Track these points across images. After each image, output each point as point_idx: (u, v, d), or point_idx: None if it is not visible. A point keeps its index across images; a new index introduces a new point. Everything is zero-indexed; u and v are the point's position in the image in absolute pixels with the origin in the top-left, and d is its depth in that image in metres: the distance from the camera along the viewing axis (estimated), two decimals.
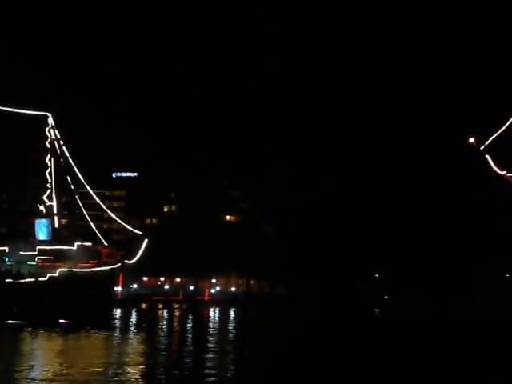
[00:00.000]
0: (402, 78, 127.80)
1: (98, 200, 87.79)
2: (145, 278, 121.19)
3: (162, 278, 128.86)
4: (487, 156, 63.60)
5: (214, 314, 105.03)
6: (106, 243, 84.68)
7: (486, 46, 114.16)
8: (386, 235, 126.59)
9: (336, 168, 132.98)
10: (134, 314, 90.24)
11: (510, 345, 59.88)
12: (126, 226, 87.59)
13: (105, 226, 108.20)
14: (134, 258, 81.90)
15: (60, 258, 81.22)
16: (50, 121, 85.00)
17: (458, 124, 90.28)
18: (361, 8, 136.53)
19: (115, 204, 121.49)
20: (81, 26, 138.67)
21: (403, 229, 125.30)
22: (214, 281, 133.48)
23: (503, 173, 63.54)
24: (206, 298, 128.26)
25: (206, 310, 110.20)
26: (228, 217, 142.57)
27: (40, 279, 77.69)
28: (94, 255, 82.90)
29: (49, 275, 78.32)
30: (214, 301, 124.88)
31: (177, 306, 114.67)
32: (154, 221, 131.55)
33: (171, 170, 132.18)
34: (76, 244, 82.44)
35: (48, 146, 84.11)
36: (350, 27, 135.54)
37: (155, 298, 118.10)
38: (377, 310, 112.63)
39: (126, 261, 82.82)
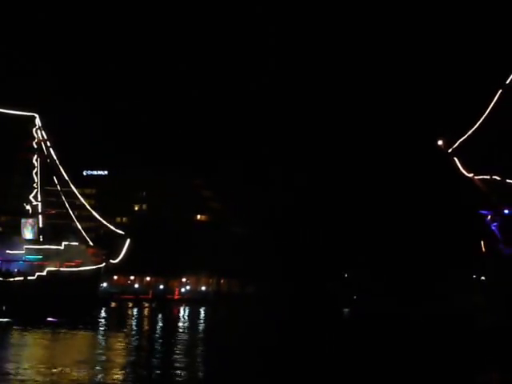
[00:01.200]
0: (382, 80, 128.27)
1: (82, 200, 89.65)
2: (115, 277, 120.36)
3: (132, 277, 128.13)
4: (455, 158, 64.20)
5: (183, 313, 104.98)
6: (91, 243, 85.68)
7: (455, 50, 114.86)
8: (357, 235, 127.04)
9: (308, 169, 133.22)
10: (104, 313, 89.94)
11: (469, 345, 60.46)
12: (110, 226, 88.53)
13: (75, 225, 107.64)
14: (117, 257, 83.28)
15: (48, 257, 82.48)
16: (38, 121, 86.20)
17: (428, 126, 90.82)
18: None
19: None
20: (78, 26, 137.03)
21: (373, 228, 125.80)
22: (184, 280, 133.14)
23: (470, 175, 64.16)
24: (176, 297, 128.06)
25: (176, 309, 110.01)
26: (199, 216, 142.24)
27: (29, 278, 78.33)
28: (79, 254, 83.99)
29: (37, 274, 78.99)
30: (184, 300, 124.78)
31: (147, 304, 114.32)
32: (124, 219, 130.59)
33: (143, 169, 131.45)
34: (63, 243, 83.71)
35: (35, 146, 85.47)
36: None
37: (125, 296, 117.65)
38: (346, 310, 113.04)
39: (111, 260, 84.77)
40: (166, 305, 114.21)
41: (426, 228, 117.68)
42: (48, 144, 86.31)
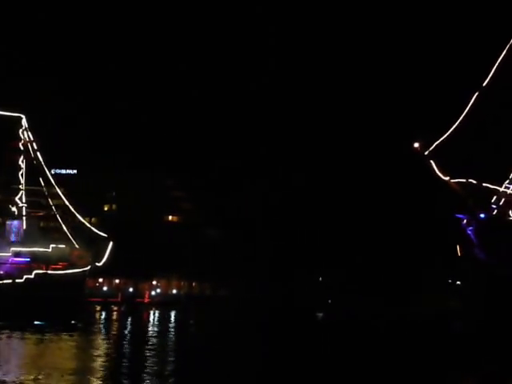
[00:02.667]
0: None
1: (66, 202, 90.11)
2: None
3: (101, 279, 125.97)
4: (431, 161, 63.44)
5: (153, 316, 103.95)
6: (77, 245, 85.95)
7: (431, 52, 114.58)
8: (332, 238, 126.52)
9: (282, 168, 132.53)
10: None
11: (442, 350, 60.37)
12: (93, 228, 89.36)
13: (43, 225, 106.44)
14: (100, 260, 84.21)
15: (36, 259, 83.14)
16: (24, 122, 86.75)
17: (405, 128, 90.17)
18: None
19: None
20: (73, 28, 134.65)
21: (348, 232, 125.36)
22: (154, 283, 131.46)
23: (447, 178, 63.49)
24: (146, 301, 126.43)
25: (146, 312, 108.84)
26: (170, 217, 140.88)
27: (17, 281, 79.06)
28: (66, 257, 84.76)
29: (25, 277, 79.82)
30: (154, 303, 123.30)
31: (115, 308, 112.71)
32: (93, 220, 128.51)
33: (113, 168, 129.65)
34: (51, 246, 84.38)
35: (21, 147, 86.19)
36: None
37: (93, 299, 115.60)
38: (320, 314, 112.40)
39: (96, 263, 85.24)
40: (135, 308, 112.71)
41: (402, 232, 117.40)
42: (34, 145, 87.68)
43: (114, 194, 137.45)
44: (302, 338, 70.14)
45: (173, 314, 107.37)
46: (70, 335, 64.23)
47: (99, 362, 46.56)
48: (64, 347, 56.22)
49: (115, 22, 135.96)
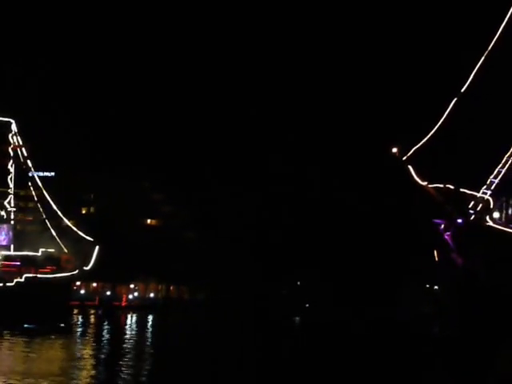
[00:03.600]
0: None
1: (54, 206, 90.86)
2: None
3: (78, 282, 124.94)
4: (409, 166, 63.61)
5: (130, 320, 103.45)
6: (65, 250, 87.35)
7: (409, 58, 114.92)
8: (309, 243, 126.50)
9: (261, 170, 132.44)
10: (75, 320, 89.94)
11: (419, 355, 60.60)
12: (80, 233, 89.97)
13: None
14: (87, 264, 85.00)
15: (26, 263, 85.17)
16: (14, 127, 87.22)
17: (382, 133, 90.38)
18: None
19: (31, 204, 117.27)
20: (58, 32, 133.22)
21: (326, 237, 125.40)
22: (132, 286, 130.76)
23: (424, 183, 63.67)
24: (124, 304, 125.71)
25: (123, 316, 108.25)
26: (149, 220, 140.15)
27: (8, 284, 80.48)
28: (53, 261, 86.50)
29: (16, 280, 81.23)
30: (132, 307, 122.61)
31: (92, 311, 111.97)
32: (71, 222, 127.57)
33: (91, 170, 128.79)
34: (40, 250, 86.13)
35: (11, 152, 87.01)
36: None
37: (70, 302, 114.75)
38: (297, 319, 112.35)
39: (84, 267, 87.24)
40: (112, 312, 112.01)
41: (380, 237, 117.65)
42: (24, 150, 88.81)
43: (92, 196, 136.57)
44: (279, 342, 70.01)
45: (150, 317, 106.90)
46: (56, 338, 64.45)
47: (69, 368, 46.05)
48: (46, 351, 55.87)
49: (98, 26, 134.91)
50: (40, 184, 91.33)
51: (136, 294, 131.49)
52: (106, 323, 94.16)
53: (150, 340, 72.97)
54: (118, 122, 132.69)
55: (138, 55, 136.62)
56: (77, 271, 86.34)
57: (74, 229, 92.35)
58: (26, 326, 70.84)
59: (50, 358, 51.77)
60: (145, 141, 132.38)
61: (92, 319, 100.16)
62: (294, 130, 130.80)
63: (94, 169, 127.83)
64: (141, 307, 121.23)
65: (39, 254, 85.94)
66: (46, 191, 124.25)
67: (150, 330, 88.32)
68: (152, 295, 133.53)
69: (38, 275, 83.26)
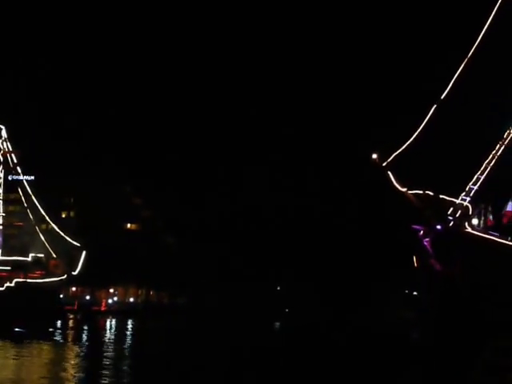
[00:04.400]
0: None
1: (43, 212, 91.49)
2: None
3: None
4: (389, 172, 63.75)
5: (110, 325, 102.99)
6: (54, 255, 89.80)
7: (390, 64, 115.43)
8: (289, 248, 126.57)
9: (239, 175, 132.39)
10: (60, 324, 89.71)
11: (397, 361, 60.79)
12: (67, 238, 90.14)
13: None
14: (75, 269, 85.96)
15: (16, 268, 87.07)
16: (3, 133, 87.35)
17: (363, 139, 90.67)
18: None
19: (10, 208, 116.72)
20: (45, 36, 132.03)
21: (306, 242, 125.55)
22: (111, 291, 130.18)
23: (404, 190, 63.83)
24: (103, 309, 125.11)
25: (102, 320, 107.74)
26: (129, 225, 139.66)
27: None
28: (42, 266, 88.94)
29: (6, 285, 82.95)
30: (111, 312, 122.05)
31: (71, 316, 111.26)
32: (50, 226, 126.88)
33: (71, 174, 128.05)
34: (30, 255, 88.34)
35: (1, 158, 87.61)
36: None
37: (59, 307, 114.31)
38: (277, 324, 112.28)
39: (72, 272, 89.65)
40: (91, 316, 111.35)
41: (359, 242, 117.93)
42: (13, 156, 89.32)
43: (72, 200, 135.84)
44: (259, 347, 69.98)
45: (130, 322, 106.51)
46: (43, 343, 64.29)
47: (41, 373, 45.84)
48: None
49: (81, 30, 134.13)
50: (29, 190, 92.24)
51: (115, 298, 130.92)
52: (85, 328, 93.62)
53: (129, 346, 72.57)
54: (98, 126, 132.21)
55: (126, 55, 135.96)
56: (65, 276, 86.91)
57: (62, 234, 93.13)
58: (16, 330, 70.62)
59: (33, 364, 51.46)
60: (125, 145, 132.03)
61: (71, 324, 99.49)
62: (272, 139, 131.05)
63: (74, 173, 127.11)
64: (120, 312, 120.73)
65: (29, 259, 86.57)
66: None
67: (130, 334, 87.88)
68: (131, 300, 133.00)
69: (28, 280, 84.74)
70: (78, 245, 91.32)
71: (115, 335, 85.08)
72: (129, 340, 78.95)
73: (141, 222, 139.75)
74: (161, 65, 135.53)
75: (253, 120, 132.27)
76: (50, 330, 75.18)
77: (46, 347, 62.02)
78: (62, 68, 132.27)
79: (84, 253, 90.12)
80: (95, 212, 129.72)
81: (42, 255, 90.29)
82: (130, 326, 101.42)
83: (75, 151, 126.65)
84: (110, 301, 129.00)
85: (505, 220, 62.74)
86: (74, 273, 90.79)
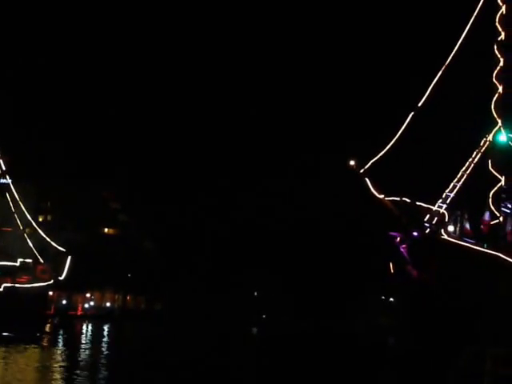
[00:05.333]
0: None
1: (29, 217, 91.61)
2: None
3: None
4: (366, 179, 64.00)
5: (86, 329, 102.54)
6: (41, 260, 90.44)
7: (366, 70, 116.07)
8: (267, 254, 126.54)
9: (217, 179, 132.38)
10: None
11: (374, 367, 61.02)
12: (52, 243, 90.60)
13: None
14: (61, 274, 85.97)
15: (5, 273, 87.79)
16: None
17: (340, 145, 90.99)
18: None
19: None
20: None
21: (283, 248, 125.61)
22: (88, 295, 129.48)
23: (381, 196, 64.08)
24: (79, 313, 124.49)
25: (79, 325, 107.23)
26: (107, 229, 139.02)
27: None
28: (28, 271, 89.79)
29: None
30: (88, 316, 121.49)
31: (48, 320, 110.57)
32: (27, 230, 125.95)
33: (48, 178, 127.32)
34: (19, 260, 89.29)
35: None
36: None
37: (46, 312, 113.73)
38: (254, 330, 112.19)
39: (59, 277, 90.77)
40: (68, 321, 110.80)
41: (336, 248, 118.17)
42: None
43: (48, 204, 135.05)
44: (236, 353, 69.91)
45: (106, 327, 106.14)
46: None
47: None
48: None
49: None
50: (17, 196, 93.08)
51: (92, 303, 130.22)
52: (61, 332, 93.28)
53: (105, 350, 72.24)
54: (76, 130, 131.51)
55: (116, 56, 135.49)
56: (52, 281, 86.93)
57: (47, 239, 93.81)
58: (4, 334, 71.39)
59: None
60: (103, 149, 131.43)
61: (47, 329, 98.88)
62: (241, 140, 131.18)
63: (51, 176, 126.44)
64: (97, 316, 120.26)
65: (17, 264, 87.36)
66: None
67: (106, 339, 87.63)
68: (108, 305, 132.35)
69: (16, 285, 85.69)
70: (63, 250, 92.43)
71: (91, 339, 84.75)
72: (105, 344, 78.68)
73: (118, 227, 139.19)
74: (142, 69, 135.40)
75: (226, 128, 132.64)
76: (38, 334, 75.44)
77: (28, 351, 61.62)
78: (41, 69, 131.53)
79: (69, 258, 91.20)
80: (72, 216, 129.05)
81: (29, 260, 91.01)
82: (106, 331, 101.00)
83: (51, 154, 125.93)
84: (86, 305, 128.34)
85: (484, 229, 63.15)
86: (60, 278, 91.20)
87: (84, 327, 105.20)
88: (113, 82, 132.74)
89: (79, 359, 56.67)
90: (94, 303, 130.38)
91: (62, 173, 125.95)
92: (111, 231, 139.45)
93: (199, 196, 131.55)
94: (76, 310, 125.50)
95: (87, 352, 65.71)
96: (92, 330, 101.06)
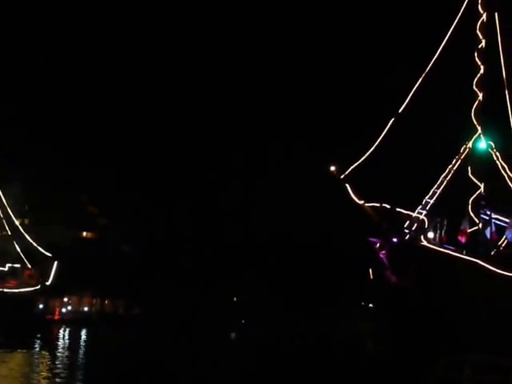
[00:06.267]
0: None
1: (16, 222, 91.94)
2: None
3: None
4: (347, 185, 63.96)
5: (63, 334, 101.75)
6: (29, 265, 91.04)
7: (347, 76, 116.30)
8: (246, 259, 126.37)
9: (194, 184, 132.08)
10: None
11: (351, 373, 61.01)
12: (39, 248, 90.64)
13: None
14: (47, 279, 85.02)
15: None
16: None
17: (320, 151, 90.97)
18: None
19: None
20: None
21: (263, 253, 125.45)
22: (65, 299, 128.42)
23: (361, 202, 64.06)
24: (56, 318, 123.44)
25: (56, 329, 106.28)
26: (85, 233, 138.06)
27: None
28: (16, 276, 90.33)
29: None
30: (65, 321, 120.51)
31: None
32: (4, 233, 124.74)
33: (25, 181, 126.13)
34: (7, 265, 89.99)
35: None
36: None
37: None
38: (233, 335, 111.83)
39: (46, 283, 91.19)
40: (45, 325, 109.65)
41: (316, 253, 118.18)
42: None
43: (26, 207, 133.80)
44: (214, 358, 69.54)
45: (83, 331, 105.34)
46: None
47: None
48: None
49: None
50: (5, 202, 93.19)
51: (69, 307, 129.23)
52: (38, 336, 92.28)
53: (82, 354, 71.64)
54: (52, 133, 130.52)
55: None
56: (39, 286, 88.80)
57: (34, 244, 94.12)
58: None
59: None
60: (80, 153, 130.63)
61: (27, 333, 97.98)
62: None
63: (29, 180, 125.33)
64: (74, 321, 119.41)
65: (6, 269, 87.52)
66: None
67: (83, 344, 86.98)
68: (86, 309, 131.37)
69: (5, 290, 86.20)
70: (50, 255, 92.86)
71: (68, 344, 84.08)
72: (82, 349, 78.09)
73: (97, 231, 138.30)
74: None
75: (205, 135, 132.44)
76: (27, 339, 75.09)
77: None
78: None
79: (56, 263, 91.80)
80: (50, 220, 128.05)
81: (18, 265, 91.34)
82: (83, 336, 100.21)
83: (28, 158, 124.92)
84: (63, 310, 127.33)
85: (463, 238, 63.33)
86: (46, 283, 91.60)
87: (61, 332, 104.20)
88: (100, 81, 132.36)
89: (49, 365, 55.86)
90: (72, 308, 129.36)
91: (40, 176, 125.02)
92: (89, 235, 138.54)
93: (180, 199, 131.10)
94: (53, 314, 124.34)
95: (60, 359, 64.99)
96: (69, 335, 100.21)
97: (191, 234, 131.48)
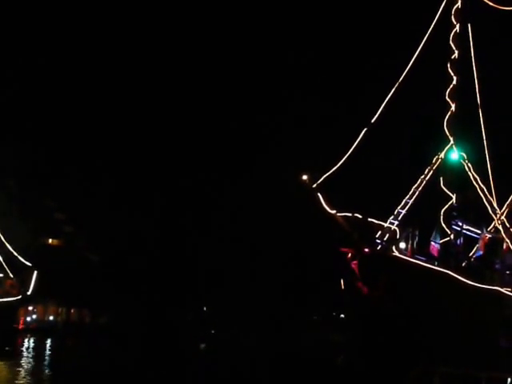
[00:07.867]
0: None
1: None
2: None
3: None
4: (319, 194, 63.53)
5: (28, 343, 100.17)
6: (11, 274, 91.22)
7: (319, 86, 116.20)
8: (214, 270, 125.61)
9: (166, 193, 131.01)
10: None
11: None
12: (19, 257, 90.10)
13: None
14: (27, 289, 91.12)
15: None
16: None
17: (292, 160, 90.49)
18: None
19: None
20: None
21: (230, 264, 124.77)
22: (30, 308, 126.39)
23: (333, 212, 63.66)
24: (21, 327, 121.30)
25: (20, 339, 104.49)
26: (51, 240, 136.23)
27: None
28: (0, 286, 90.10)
29: None
30: (29, 330, 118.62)
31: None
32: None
33: None
34: None
35: None
36: None
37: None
38: (203, 345, 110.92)
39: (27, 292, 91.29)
40: (9, 335, 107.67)
41: (286, 263, 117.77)
42: None
43: None
44: (183, 370, 68.81)
45: (48, 341, 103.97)
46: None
47: None
48: None
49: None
50: None
51: (34, 316, 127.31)
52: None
53: (47, 364, 70.48)
54: (20, 139, 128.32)
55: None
56: (20, 296, 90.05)
57: (15, 253, 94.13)
58: None
59: None
60: (47, 158, 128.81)
61: None
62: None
63: None
64: (39, 330, 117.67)
65: None
66: None
67: (48, 354, 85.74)
68: (51, 318, 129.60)
69: None
70: (30, 264, 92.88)
71: (34, 353, 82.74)
72: (47, 358, 77.01)
73: (63, 238, 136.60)
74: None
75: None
76: (7, 348, 75.78)
77: None
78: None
79: (35, 272, 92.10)
80: (16, 226, 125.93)
81: (1, 275, 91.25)
82: (48, 345, 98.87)
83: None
84: (28, 319, 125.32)
85: (432, 249, 63.24)
86: (28, 293, 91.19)
87: (26, 341, 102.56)
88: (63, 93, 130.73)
89: (13, 377, 54.58)
90: (37, 316, 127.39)
91: (7, 183, 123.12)
92: (55, 242, 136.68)
93: (150, 207, 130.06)
94: (18, 323, 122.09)
95: (24, 368, 63.71)
96: (34, 344, 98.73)
97: (160, 242, 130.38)
